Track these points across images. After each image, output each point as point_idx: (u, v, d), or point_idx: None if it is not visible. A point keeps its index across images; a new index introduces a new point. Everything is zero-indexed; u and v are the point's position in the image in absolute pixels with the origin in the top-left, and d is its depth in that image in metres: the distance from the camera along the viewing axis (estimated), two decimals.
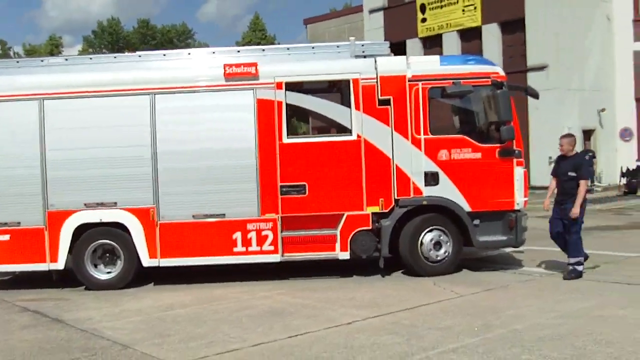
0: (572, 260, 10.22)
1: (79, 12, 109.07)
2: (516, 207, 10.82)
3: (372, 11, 41.40)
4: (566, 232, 10.25)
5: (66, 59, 11.59)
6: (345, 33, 47.74)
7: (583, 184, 10.10)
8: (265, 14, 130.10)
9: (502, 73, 10.99)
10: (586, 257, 10.51)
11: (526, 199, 10.95)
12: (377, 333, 7.53)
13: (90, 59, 11.58)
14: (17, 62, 11.89)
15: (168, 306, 9.56)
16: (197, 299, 9.96)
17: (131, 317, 9.03)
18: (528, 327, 7.48)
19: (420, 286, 10.17)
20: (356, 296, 9.65)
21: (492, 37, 34.48)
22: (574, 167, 10.21)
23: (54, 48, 66.24)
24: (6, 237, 10.86)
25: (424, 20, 38.11)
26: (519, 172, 10.81)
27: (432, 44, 39.00)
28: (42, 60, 11.50)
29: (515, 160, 10.82)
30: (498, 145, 10.75)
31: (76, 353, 7.32)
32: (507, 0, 33.19)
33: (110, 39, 74.44)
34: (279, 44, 71.70)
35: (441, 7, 37.31)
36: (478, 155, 10.78)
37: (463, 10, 35.94)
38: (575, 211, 10.00)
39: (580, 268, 10.22)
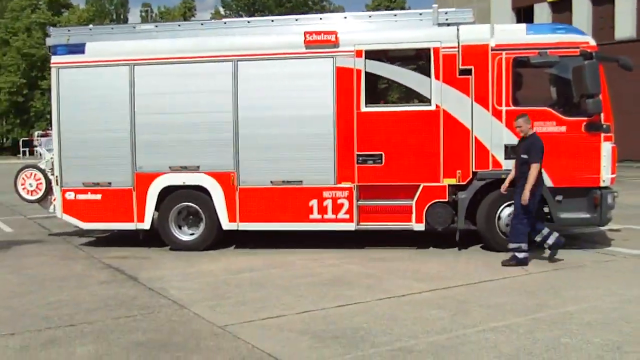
0: (511, 245, 9.64)
1: None
2: (602, 184, 10.26)
3: None
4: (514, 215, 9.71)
5: (156, 26, 12.00)
6: None
7: (534, 168, 9.41)
8: None
9: (592, 43, 10.37)
10: (559, 244, 9.81)
11: (614, 175, 10.37)
12: (426, 307, 7.44)
13: (179, 25, 11.93)
14: (112, 28, 12.40)
15: (238, 269, 9.84)
16: (268, 264, 10.18)
17: (200, 278, 9.37)
18: (581, 310, 7.15)
19: (492, 261, 9.89)
20: (422, 268, 9.54)
21: None
22: (526, 149, 9.55)
23: (187, 11, 68.34)
24: (98, 197, 11.52)
25: None
26: (606, 147, 10.23)
27: (562, 9, 37.31)
28: (134, 27, 11.99)
29: (603, 135, 10.24)
30: (585, 118, 10.20)
31: (135, 310, 7.69)
32: None
33: (246, 1, 75.75)
34: (409, 8, 70.98)
35: None
36: (563, 128, 10.28)
37: None
38: (524, 196, 9.40)
39: (521, 255, 9.55)
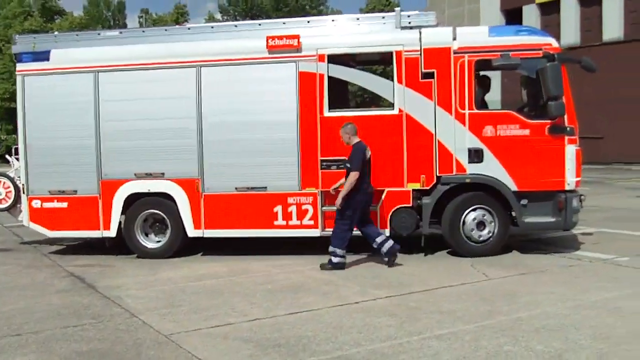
0: (329, 249, 9.86)
1: None
2: (567, 188, 10.19)
3: None
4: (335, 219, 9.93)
5: (120, 32, 11.95)
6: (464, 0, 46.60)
7: (351, 176, 9.62)
8: None
9: (555, 45, 10.32)
10: (392, 251, 9.91)
11: (579, 179, 10.29)
12: (376, 314, 7.37)
13: (143, 32, 11.92)
14: (77, 35, 12.32)
15: (199, 277, 9.77)
16: (231, 271, 10.10)
17: (159, 286, 9.30)
18: (533, 316, 7.07)
19: (455, 267, 9.83)
20: (383, 274, 9.47)
21: None
22: (349, 157, 9.81)
23: (179, 16, 68.29)
24: (64, 205, 11.45)
25: None
26: (570, 150, 10.16)
27: (550, 10, 37.33)
28: (98, 34, 11.96)
29: (566, 137, 10.17)
30: (548, 121, 10.13)
31: (85, 319, 7.61)
32: None
33: (244, 6, 75.56)
34: (401, 10, 70.61)
35: None
36: (526, 131, 10.22)
37: None
38: (337, 202, 9.68)
39: (335, 260, 9.75)
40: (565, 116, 10.11)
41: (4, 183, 12.34)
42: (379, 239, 9.90)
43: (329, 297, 8.23)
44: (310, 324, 7.08)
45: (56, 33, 12.44)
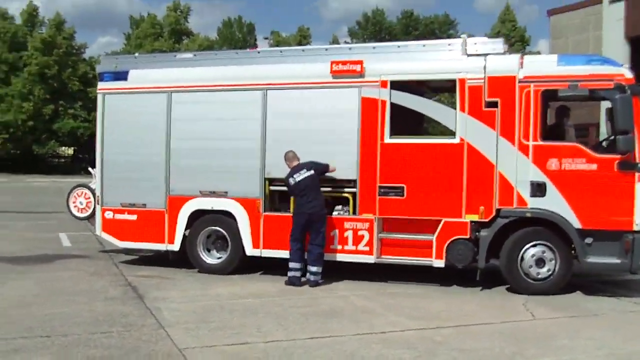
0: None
1: (357, 3, 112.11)
2: (635, 228, 9.51)
3: (612, 1, 38.18)
4: None
5: (194, 55, 12.36)
6: (590, 25, 44.76)
7: None
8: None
9: (628, 75, 9.70)
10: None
11: None
12: (395, 346, 7.15)
13: (215, 54, 12.24)
14: (154, 56, 12.85)
15: (246, 295, 9.86)
16: (279, 291, 10.13)
17: (202, 301, 9.44)
18: None
19: (505, 304, 9.40)
20: (426, 306, 9.18)
21: None
22: None
23: (302, 39, 69.71)
24: (134, 217, 11.89)
25: None
26: None
27: None
28: (174, 55, 12.38)
29: (637, 174, 9.53)
30: (618, 156, 9.55)
31: (116, 327, 7.84)
32: None
33: (373, 30, 76.43)
34: (528, 37, 69.12)
35: None
36: (593, 166, 9.66)
37: None
38: None
39: (289, 273, 10.51)
40: (637, 152, 9.48)
41: (85, 194, 12.98)
42: (314, 269, 10.43)
43: (359, 325, 8.06)
44: (324, 350, 6.97)
45: (137, 54, 12.98)
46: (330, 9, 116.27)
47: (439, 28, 78.06)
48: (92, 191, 12.84)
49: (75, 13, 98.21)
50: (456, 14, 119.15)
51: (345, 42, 68.14)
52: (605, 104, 10.49)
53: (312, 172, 10.47)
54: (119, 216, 11.98)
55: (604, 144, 10.43)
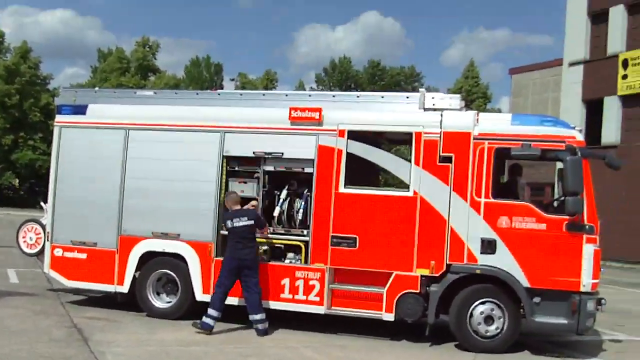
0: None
1: (326, 50, 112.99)
2: (582, 289, 9.62)
3: (572, 64, 39.09)
4: None
5: (155, 92, 12.33)
6: (549, 85, 45.83)
7: None
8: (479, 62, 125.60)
9: (579, 138, 9.94)
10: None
11: (596, 281, 9.72)
12: None
13: (176, 93, 12.22)
14: (115, 92, 12.75)
15: (190, 342, 9.68)
16: (227, 338, 10.03)
17: (147, 346, 9.28)
18: None
19: None
20: None
21: None
22: None
23: (268, 82, 70.23)
24: (84, 256, 11.64)
25: (624, 77, 35.36)
26: (588, 250, 9.61)
27: (632, 103, 36.19)
28: (135, 92, 12.34)
29: (585, 236, 9.66)
30: (567, 217, 9.68)
31: None
32: None
33: (339, 77, 77.13)
34: (490, 93, 70.53)
35: None
36: (543, 226, 9.78)
37: None
38: None
39: (205, 319, 10.21)
40: (585, 214, 9.64)
41: (35, 229, 12.68)
42: (257, 317, 10.25)
43: None
44: None
45: (97, 89, 12.90)
46: (300, 54, 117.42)
47: (404, 80, 79.20)
48: (43, 227, 12.55)
49: (45, 42, 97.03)
50: (422, 67, 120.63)
51: (311, 89, 68.97)
52: (560, 164, 10.67)
53: (252, 222, 10.39)
54: (68, 254, 11.73)
55: (554, 204, 10.59)
